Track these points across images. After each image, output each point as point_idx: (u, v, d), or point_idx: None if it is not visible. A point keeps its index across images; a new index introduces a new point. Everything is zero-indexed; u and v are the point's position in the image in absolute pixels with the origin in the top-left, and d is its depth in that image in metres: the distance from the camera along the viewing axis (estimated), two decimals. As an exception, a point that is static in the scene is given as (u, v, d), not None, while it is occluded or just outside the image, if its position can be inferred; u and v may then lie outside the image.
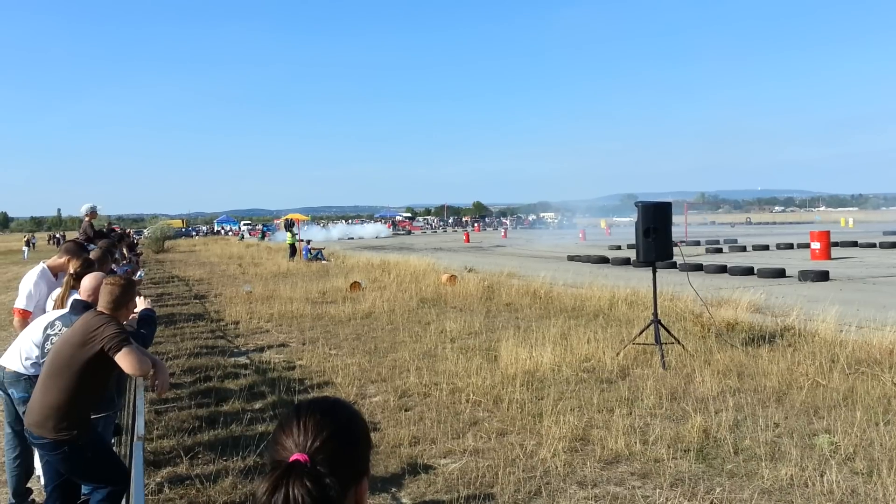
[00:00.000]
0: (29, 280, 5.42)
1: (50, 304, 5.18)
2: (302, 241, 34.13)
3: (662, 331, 8.80)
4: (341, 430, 1.34)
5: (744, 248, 31.03)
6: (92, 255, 5.82)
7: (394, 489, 4.98)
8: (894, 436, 5.47)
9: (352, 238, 64.78)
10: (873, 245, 29.53)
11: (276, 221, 75.01)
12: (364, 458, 1.38)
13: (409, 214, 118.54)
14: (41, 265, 5.57)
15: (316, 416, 1.34)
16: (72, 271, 5.12)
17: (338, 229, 73.76)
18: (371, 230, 74.42)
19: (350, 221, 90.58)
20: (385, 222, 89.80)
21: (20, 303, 5.35)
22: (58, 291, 5.13)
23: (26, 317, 5.20)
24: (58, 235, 73.97)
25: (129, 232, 25.45)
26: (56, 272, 5.61)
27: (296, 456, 1.27)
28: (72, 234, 8.98)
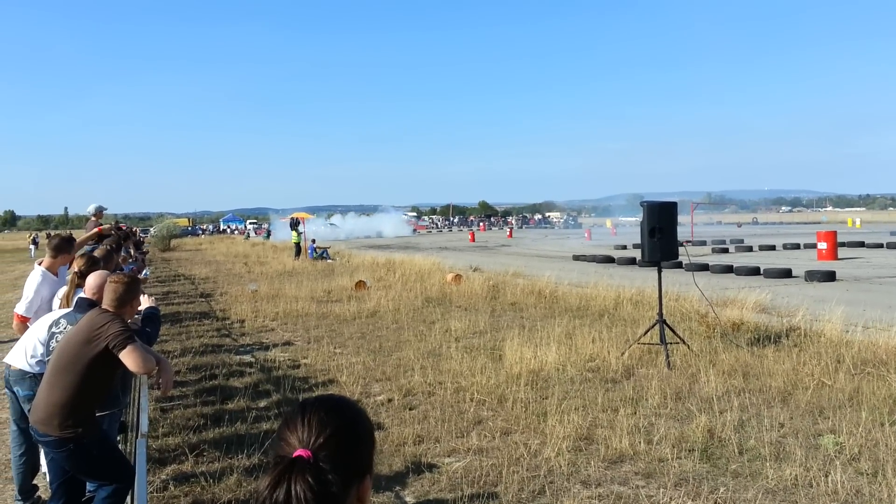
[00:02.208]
0: (31, 285, 5.47)
1: (56, 302, 5.22)
2: (307, 239, 34.19)
3: (667, 331, 8.79)
4: (345, 427, 1.34)
5: (750, 248, 30.94)
6: (97, 254, 5.85)
7: (398, 487, 4.98)
8: (900, 436, 5.44)
9: (368, 237, 60.50)
10: (880, 245, 29.42)
11: (281, 220, 73.13)
12: (367, 456, 1.39)
13: (414, 214, 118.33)
14: (39, 269, 5.60)
15: (320, 413, 1.34)
16: (76, 269, 5.14)
17: (349, 224, 67.53)
18: (389, 227, 67.08)
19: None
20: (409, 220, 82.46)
21: (20, 308, 5.42)
22: (64, 290, 5.16)
23: (25, 321, 5.24)
24: (50, 234, 73.83)
25: (136, 230, 25.50)
26: (55, 270, 5.65)
27: (299, 452, 1.27)
28: (78, 233, 9.09)
